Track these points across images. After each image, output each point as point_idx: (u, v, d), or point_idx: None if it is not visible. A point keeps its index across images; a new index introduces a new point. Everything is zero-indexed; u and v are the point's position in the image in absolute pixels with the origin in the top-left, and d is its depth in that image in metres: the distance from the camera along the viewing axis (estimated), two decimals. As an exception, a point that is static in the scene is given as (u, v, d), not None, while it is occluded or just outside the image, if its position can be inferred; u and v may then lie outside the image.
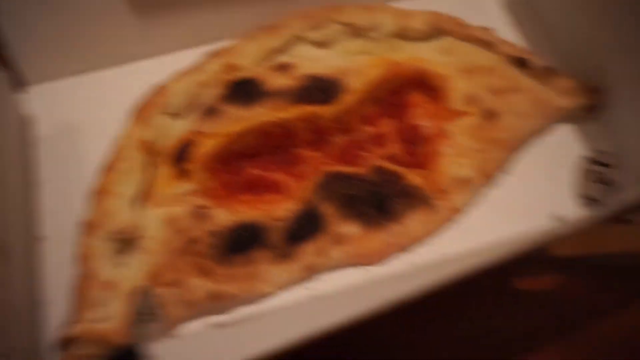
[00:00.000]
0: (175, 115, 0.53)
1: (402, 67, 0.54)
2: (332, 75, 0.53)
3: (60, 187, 0.53)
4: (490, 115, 0.52)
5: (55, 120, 0.57)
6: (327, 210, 0.48)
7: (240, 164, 0.51)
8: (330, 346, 0.48)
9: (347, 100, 0.52)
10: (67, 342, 0.43)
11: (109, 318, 0.44)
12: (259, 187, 0.50)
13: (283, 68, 0.54)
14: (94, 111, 0.57)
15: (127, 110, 0.53)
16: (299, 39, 0.57)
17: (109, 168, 0.49)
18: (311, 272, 0.47)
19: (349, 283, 0.48)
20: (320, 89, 0.52)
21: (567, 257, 0.53)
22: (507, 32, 0.59)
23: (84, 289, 0.45)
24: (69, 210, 0.52)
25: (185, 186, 0.48)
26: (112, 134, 0.52)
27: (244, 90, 0.52)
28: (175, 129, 0.52)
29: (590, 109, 0.53)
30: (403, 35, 0.57)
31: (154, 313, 0.40)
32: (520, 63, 0.54)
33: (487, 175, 0.51)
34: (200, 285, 0.45)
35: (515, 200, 0.51)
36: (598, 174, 0.47)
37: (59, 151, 0.56)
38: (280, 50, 0.56)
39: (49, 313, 0.48)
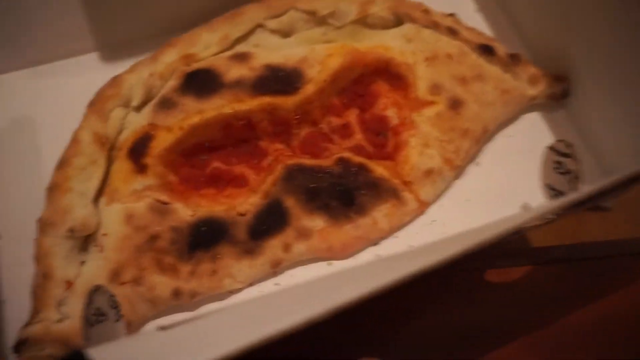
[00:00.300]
0: (131, 107, 0.51)
1: (364, 55, 0.53)
2: (292, 64, 0.51)
3: (14, 183, 0.52)
4: (455, 104, 0.51)
5: (7, 113, 0.55)
6: (291, 203, 0.47)
7: (202, 157, 0.50)
8: (301, 343, 0.47)
9: (308, 90, 0.50)
10: (23, 344, 0.41)
11: (68, 317, 0.43)
12: (221, 181, 0.49)
13: (241, 58, 0.52)
14: (49, 104, 0.55)
15: (84, 103, 0.51)
16: (259, 28, 0.55)
17: (64, 163, 0.47)
18: (277, 266, 0.46)
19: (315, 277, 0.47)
20: (279, 79, 0.50)
21: (540, 248, 0.52)
22: (471, 18, 0.58)
23: (42, 288, 0.43)
24: (23, 207, 0.50)
25: (144, 181, 0.47)
26: (67, 127, 0.50)
27: (199, 81, 0.50)
28: (132, 122, 0.51)
29: (556, 97, 0.53)
30: (365, 22, 0.56)
31: (107, 313, 0.39)
32: (486, 50, 0.53)
33: (454, 166, 0.50)
34: (163, 283, 0.44)
35: (484, 191, 0.51)
36: (558, 164, 0.47)
37: (12, 146, 0.54)
38: (240, 39, 0.55)
39: (6, 313, 0.46)
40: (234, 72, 0.50)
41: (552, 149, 0.49)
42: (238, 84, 0.50)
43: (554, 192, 0.48)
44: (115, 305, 0.40)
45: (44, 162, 0.52)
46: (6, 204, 0.51)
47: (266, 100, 0.49)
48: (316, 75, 0.51)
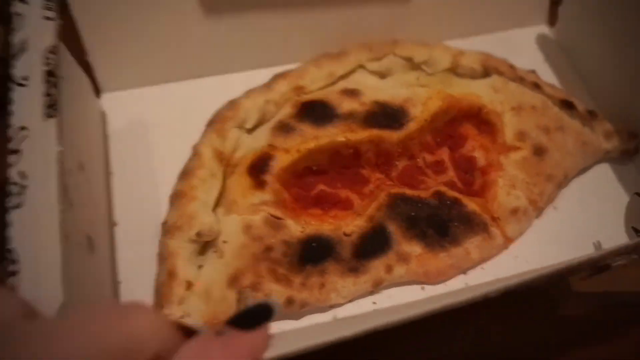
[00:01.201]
0: (246, 129, 0.56)
1: (459, 101, 0.58)
2: (398, 103, 0.57)
3: (133, 183, 0.56)
4: (539, 150, 0.56)
5: (128, 124, 0.60)
6: (393, 229, 0.51)
7: (309, 179, 0.54)
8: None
9: (411, 127, 0.55)
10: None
11: (189, 315, 0.46)
12: (326, 202, 0.53)
13: (351, 93, 0.57)
14: (166, 119, 0.60)
15: (196, 121, 0.56)
16: (360, 68, 0.61)
17: (188, 174, 0.52)
18: (377, 286, 0.50)
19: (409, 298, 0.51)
20: (387, 115, 0.56)
21: (583, 292, 0.56)
22: (545, 74, 0.64)
23: (167, 286, 0.46)
24: (140, 206, 0.54)
25: (262, 196, 0.51)
26: (180, 140, 0.55)
27: (317, 111, 0.55)
28: (245, 142, 0.55)
29: (629, 153, 0.58)
30: (455, 71, 0.62)
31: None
32: (567, 105, 0.58)
33: (538, 207, 0.55)
34: (278, 291, 0.47)
35: (562, 232, 0.55)
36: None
37: (133, 150, 0.58)
38: (342, 77, 0.60)
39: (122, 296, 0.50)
40: (346, 105, 0.56)
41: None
42: (350, 115, 0.55)
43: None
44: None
45: (159, 169, 0.56)
46: (126, 201, 0.55)
47: (375, 132, 0.54)
48: (419, 114, 0.56)
